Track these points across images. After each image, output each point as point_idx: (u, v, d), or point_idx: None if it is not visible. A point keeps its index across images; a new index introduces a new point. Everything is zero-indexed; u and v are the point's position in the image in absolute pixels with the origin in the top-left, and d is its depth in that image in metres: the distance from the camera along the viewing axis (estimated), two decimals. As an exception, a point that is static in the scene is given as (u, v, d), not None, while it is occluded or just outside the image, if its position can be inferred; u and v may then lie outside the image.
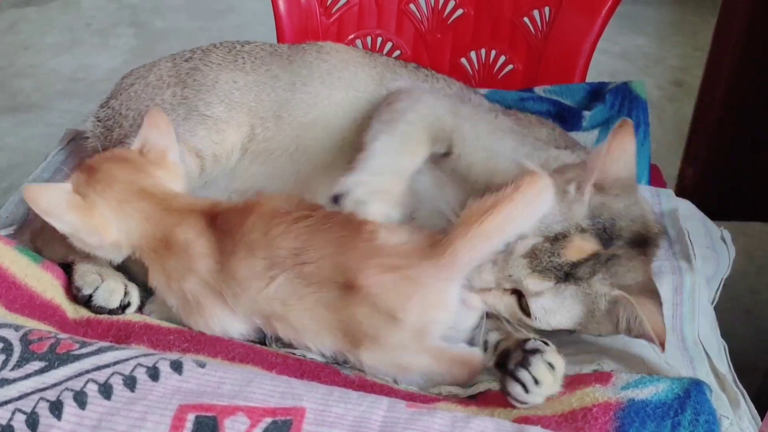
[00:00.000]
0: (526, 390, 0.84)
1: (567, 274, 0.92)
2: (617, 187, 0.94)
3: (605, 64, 2.94)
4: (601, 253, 0.92)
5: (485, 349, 0.95)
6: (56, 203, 0.90)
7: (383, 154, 1.03)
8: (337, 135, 1.16)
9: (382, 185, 1.00)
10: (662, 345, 0.88)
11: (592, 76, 2.63)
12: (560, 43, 1.48)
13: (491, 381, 0.93)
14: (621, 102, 1.36)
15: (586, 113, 1.35)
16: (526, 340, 0.89)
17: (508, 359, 0.88)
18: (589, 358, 0.97)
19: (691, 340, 1.04)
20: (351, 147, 1.14)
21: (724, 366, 1.04)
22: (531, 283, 0.92)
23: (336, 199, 0.98)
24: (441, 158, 1.08)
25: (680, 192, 1.82)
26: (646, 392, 0.82)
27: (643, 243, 0.95)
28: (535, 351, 0.87)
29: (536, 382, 0.84)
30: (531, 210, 0.88)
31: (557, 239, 0.92)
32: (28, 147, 2.49)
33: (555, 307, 0.92)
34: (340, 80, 1.20)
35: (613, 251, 0.93)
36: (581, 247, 0.92)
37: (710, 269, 1.21)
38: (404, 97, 1.11)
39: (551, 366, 0.86)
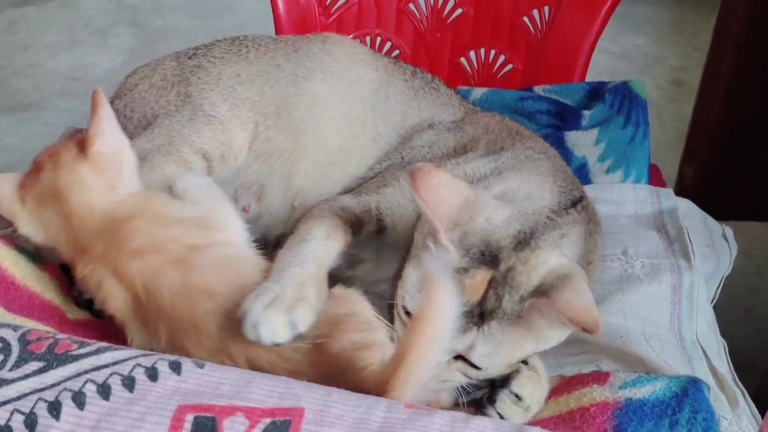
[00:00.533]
0: None
1: (481, 315, 0.87)
2: (464, 213, 0.90)
3: (605, 64, 2.94)
4: (495, 276, 0.88)
5: None
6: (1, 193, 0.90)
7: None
8: (333, 140, 1.14)
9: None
10: (592, 329, 0.82)
11: (592, 76, 2.63)
12: (560, 42, 1.48)
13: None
14: (620, 101, 1.36)
15: (586, 112, 1.35)
16: None
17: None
18: (588, 358, 0.97)
19: (689, 339, 1.04)
20: (346, 153, 1.14)
21: (724, 365, 1.05)
22: (458, 343, 0.87)
23: None
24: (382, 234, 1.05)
25: (680, 192, 1.82)
26: (644, 391, 0.82)
27: (527, 238, 0.90)
28: (504, 382, 0.87)
29: (502, 417, 0.85)
30: (447, 318, 0.80)
31: None
32: (27, 146, 2.49)
33: (493, 350, 0.88)
34: (341, 80, 1.18)
35: (505, 266, 0.88)
36: (473, 284, 0.88)
37: (709, 268, 1.22)
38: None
39: (518, 397, 0.85)
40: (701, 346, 1.03)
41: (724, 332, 1.12)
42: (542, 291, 0.86)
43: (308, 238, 0.93)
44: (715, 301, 1.21)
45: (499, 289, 0.87)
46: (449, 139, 1.12)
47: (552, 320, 0.86)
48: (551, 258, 0.90)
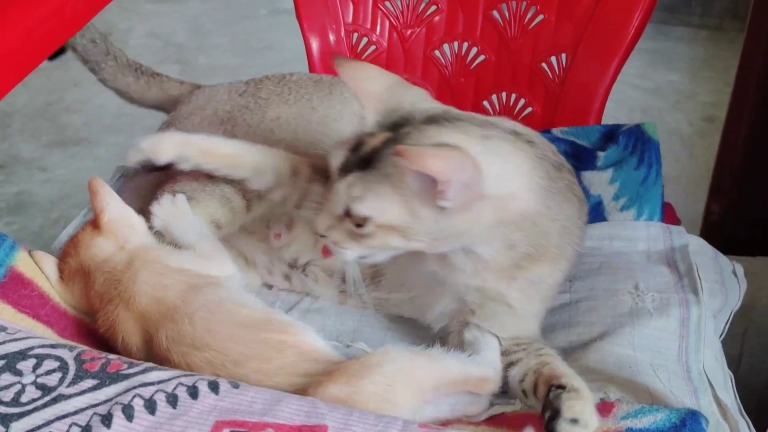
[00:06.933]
0: None
1: (366, 161, 0.93)
2: (392, 94, 0.99)
3: (637, 100, 2.97)
4: (391, 137, 0.93)
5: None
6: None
7: None
8: None
9: None
10: (433, 173, 0.86)
11: (624, 112, 2.71)
12: (576, 87, 1.55)
13: (505, 405, 0.99)
14: (634, 143, 1.41)
15: (601, 153, 1.41)
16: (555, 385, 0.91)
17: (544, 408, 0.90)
18: (596, 386, 1.01)
19: (696, 370, 1.07)
20: None
21: (729, 396, 1.08)
22: (341, 185, 0.93)
23: None
24: None
25: (706, 227, 1.87)
26: (645, 421, 0.87)
27: (440, 120, 0.95)
28: (555, 413, 0.87)
29: None
30: None
31: (355, 148, 0.96)
32: (77, 179, 2.60)
33: (364, 193, 0.92)
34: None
35: (405, 132, 0.93)
36: (371, 141, 0.94)
37: (718, 302, 1.26)
38: None
39: (574, 421, 0.86)
40: (707, 378, 1.07)
41: (751, 368, 1.15)
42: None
43: None
44: (723, 334, 1.25)
45: (391, 148, 0.91)
46: None
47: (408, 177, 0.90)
48: (449, 137, 0.93)
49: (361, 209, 0.93)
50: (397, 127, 0.95)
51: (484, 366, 0.98)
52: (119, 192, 1.36)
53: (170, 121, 1.33)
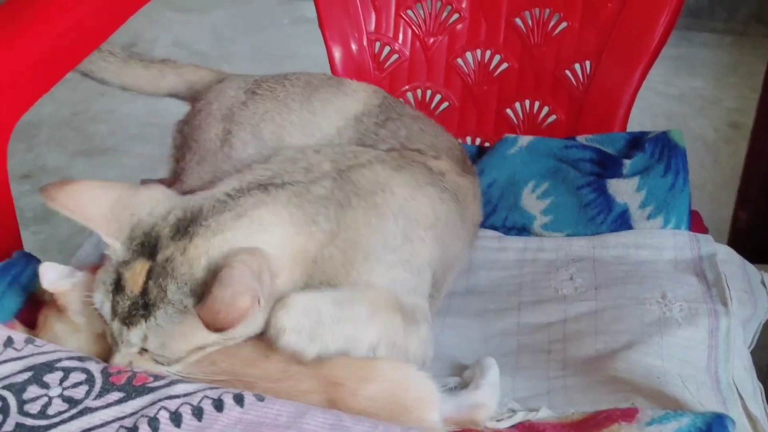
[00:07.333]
0: None
1: (146, 306, 0.87)
2: (122, 211, 0.90)
3: (661, 106, 2.95)
4: (154, 266, 0.87)
5: None
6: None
7: None
8: None
9: None
10: (221, 328, 0.81)
11: (648, 118, 2.70)
12: (601, 94, 1.53)
13: (529, 412, 0.98)
14: (660, 150, 1.40)
15: (626, 161, 1.40)
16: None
17: None
18: (624, 397, 1.01)
19: (725, 381, 1.06)
20: None
21: (759, 408, 1.07)
22: (132, 336, 0.88)
23: None
24: None
25: (734, 235, 1.85)
26: (669, 427, 0.85)
27: (185, 225, 0.89)
28: None
29: None
30: None
31: (117, 286, 0.89)
32: (103, 188, 2.64)
33: (165, 340, 0.87)
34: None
35: (163, 256, 0.87)
36: (133, 276, 0.88)
37: (747, 312, 1.24)
38: None
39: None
40: (737, 389, 1.06)
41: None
42: (200, 293, 0.85)
43: None
44: (753, 345, 1.24)
45: (160, 280, 0.87)
46: None
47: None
48: (212, 245, 0.88)
49: (165, 353, 0.89)
50: (147, 251, 0.88)
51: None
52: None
53: (186, 119, 1.30)
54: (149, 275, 0.87)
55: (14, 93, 1.10)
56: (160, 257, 0.88)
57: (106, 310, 0.89)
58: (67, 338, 0.96)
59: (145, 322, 0.87)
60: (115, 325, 0.89)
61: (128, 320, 0.88)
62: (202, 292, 0.85)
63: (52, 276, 0.96)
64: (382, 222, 1.02)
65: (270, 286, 0.88)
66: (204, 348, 0.90)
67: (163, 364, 0.90)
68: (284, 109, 1.22)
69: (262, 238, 0.91)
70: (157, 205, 0.92)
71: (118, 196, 0.91)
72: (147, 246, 0.89)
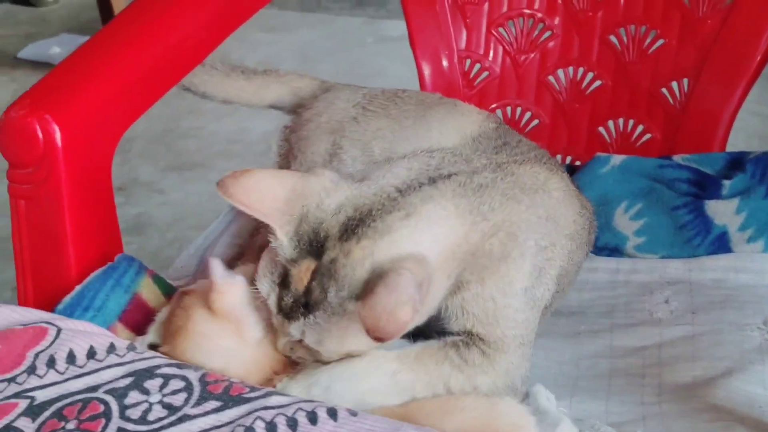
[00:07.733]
0: None
1: (306, 305, 0.88)
2: (294, 203, 0.89)
3: (755, 127, 2.86)
4: (319, 267, 0.87)
5: None
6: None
7: None
8: None
9: None
10: (383, 338, 0.81)
11: (742, 139, 2.61)
12: (699, 113, 1.49)
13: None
14: (762, 171, 1.34)
15: (726, 182, 1.35)
16: None
17: None
18: (723, 426, 0.98)
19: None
20: None
21: None
22: (292, 330, 0.90)
23: None
24: None
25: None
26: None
27: (354, 226, 0.87)
28: None
29: None
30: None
31: (284, 281, 0.90)
32: (190, 202, 2.71)
33: (322, 337, 0.89)
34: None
35: (329, 257, 0.87)
36: (297, 274, 0.88)
37: None
38: None
39: None
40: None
41: None
42: (361, 294, 0.84)
43: None
44: None
45: (324, 281, 0.86)
46: None
47: None
48: (378, 247, 0.86)
49: (322, 349, 0.91)
50: (315, 250, 0.88)
51: None
52: (235, 220, 1.39)
53: (292, 127, 1.31)
54: (314, 275, 0.88)
55: (123, 104, 1.14)
56: (325, 258, 0.87)
57: (272, 301, 0.91)
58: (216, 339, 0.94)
59: (304, 319, 0.88)
60: (279, 317, 0.91)
61: (290, 315, 0.90)
62: (362, 293, 0.84)
63: (221, 270, 0.95)
64: (539, 221, 1.00)
65: (425, 295, 0.86)
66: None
67: (316, 359, 0.92)
68: (397, 127, 1.22)
69: (428, 235, 0.89)
70: (327, 195, 0.90)
71: (291, 186, 0.90)
72: (315, 245, 0.88)
